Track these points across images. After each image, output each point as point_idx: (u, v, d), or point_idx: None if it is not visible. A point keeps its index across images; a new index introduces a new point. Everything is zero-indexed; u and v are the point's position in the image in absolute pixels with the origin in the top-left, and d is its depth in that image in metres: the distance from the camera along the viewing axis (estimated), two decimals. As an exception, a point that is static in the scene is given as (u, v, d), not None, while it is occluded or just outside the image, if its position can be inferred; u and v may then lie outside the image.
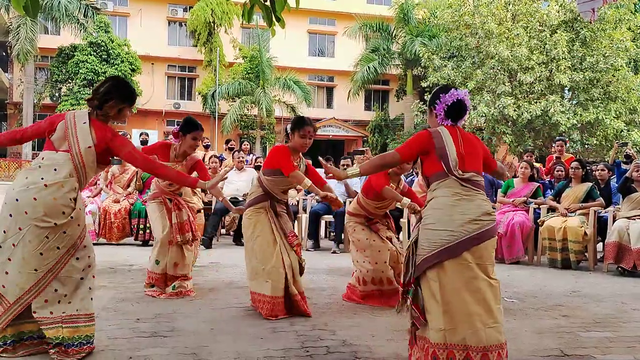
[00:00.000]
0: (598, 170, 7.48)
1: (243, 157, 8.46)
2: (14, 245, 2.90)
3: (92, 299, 3.09)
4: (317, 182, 4.16)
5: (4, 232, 2.93)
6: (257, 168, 8.36)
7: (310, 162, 4.45)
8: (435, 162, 2.91)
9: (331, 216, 7.85)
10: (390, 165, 3.39)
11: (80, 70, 24.88)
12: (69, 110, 25.12)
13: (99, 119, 3.13)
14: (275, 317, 3.97)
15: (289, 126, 4.25)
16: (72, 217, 2.97)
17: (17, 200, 2.92)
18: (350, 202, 7.73)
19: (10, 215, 2.92)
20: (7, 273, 2.91)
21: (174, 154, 4.64)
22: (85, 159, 3.03)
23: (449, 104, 2.96)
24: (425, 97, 21.34)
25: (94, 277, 3.12)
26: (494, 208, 2.86)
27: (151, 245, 5.24)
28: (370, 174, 3.68)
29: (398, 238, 7.79)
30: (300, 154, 4.24)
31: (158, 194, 4.75)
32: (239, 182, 8.12)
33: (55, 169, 2.98)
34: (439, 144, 2.90)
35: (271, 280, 4.01)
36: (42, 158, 3.04)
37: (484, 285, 2.78)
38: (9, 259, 2.91)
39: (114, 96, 3.13)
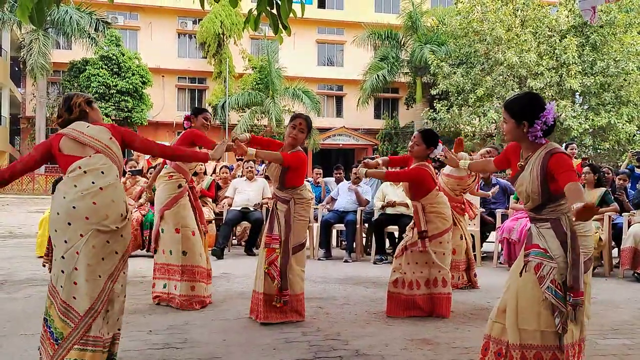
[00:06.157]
0: (618, 179, 7.54)
1: (253, 167, 8.44)
2: (77, 253, 2.79)
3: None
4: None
5: (65, 242, 2.81)
6: (267, 178, 8.32)
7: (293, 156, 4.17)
8: None
9: (342, 225, 7.82)
10: None
11: (92, 84, 25.17)
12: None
13: None
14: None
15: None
16: (128, 219, 2.95)
17: (74, 207, 2.80)
18: (361, 210, 7.75)
19: (69, 224, 2.80)
20: (75, 283, 2.79)
21: None
22: (115, 151, 2.98)
23: (550, 124, 2.63)
24: (435, 105, 21.37)
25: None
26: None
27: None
28: None
29: None
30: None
31: (182, 192, 4.91)
32: (250, 192, 8.11)
33: (102, 172, 2.89)
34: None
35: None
36: (79, 167, 2.88)
37: (514, 282, 2.72)
38: (76, 268, 2.79)
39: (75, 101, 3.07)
